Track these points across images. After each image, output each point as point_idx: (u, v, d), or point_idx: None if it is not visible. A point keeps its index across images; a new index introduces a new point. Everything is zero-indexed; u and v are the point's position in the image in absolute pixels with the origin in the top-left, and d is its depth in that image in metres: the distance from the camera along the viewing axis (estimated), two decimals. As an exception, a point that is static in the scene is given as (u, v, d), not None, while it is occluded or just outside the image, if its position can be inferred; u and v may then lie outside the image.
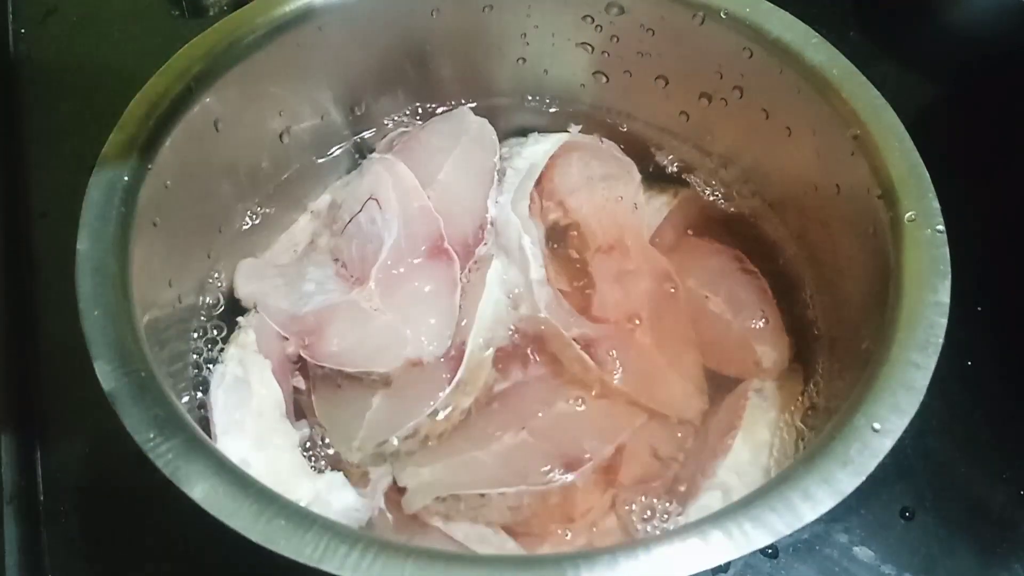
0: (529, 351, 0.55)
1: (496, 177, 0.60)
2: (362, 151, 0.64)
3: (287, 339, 0.54)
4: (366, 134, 0.64)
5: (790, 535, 0.36)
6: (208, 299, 0.56)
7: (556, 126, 0.64)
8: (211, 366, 0.53)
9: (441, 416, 0.52)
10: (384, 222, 0.56)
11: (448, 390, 0.52)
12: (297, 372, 0.54)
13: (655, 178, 0.63)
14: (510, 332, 0.55)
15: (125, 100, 0.49)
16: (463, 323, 0.54)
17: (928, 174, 0.46)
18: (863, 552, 0.51)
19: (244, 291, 0.56)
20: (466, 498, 0.49)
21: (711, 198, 0.62)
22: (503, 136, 0.62)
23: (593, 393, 0.53)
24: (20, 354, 0.59)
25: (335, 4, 0.55)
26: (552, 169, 0.61)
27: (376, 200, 0.57)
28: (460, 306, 0.55)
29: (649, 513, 0.49)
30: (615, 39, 0.60)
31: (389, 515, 0.49)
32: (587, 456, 0.50)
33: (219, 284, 0.57)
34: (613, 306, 0.56)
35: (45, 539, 0.52)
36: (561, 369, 0.54)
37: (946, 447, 0.55)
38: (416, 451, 0.51)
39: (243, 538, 0.35)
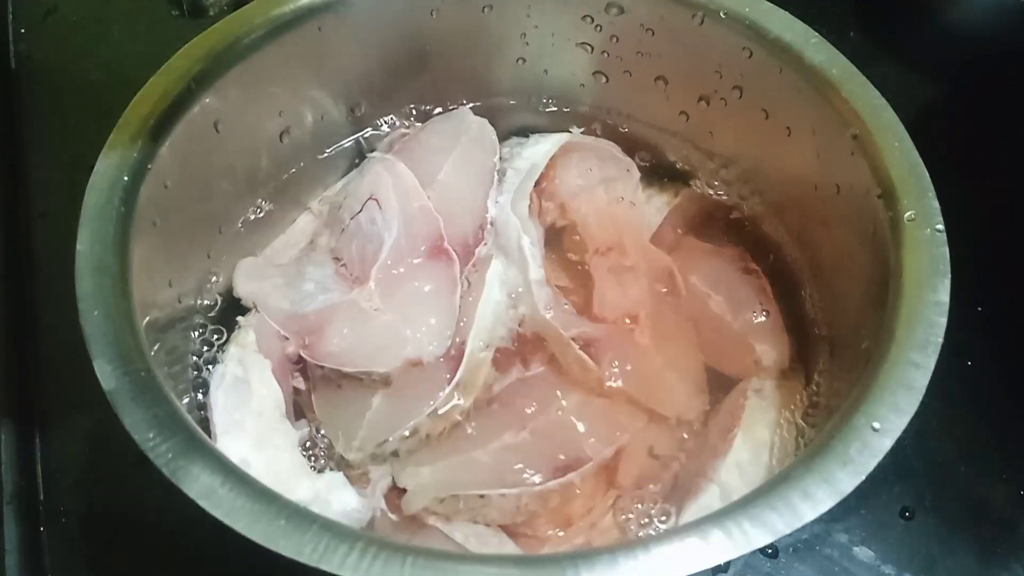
0: (529, 351, 0.55)
1: (496, 177, 0.60)
2: (362, 151, 0.64)
3: (287, 339, 0.54)
4: (366, 134, 0.64)
5: (790, 535, 0.36)
6: (208, 299, 0.56)
7: (556, 126, 0.64)
8: (211, 366, 0.53)
9: (441, 416, 0.52)
10: (384, 222, 0.56)
11: (448, 390, 0.52)
12: (297, 372, 0.54)
13: (655, 178, 0.63)
14: (510, 332, 0.55)
15: (125, 100, 0.49)
16: (463, 323, 0.54)
17: (928, 174, 0.46)
18: (863, 552, 0.51)
19: (244, 290, 0.56)
20: (466, 498, 0.49)
21: (711, 198, 0.62)
22: (503, 136, 0.63)
23: (593, 393, 0.53)
24: (20, 354, 0.59)
25: (335, 4, 0.55)
26: (552, 170, 0.61)
27: (376, 200, 0.57)
28: (460, 306, 0.55)
29: (649, 513, 0.49)
30: (615, 39, 0.60)
31: (389, 515, 0.49)
32: (587, 456, 0.50)
33: (219, 284, 0.57)
34: (612, 306, 0.56)
35: (45, 539, 0.52)
36: (561, 369, 0.54)
37: (946, 447, 0.55)
38: (416, 451, 0.51)
39: (243, 538, 0.35)
